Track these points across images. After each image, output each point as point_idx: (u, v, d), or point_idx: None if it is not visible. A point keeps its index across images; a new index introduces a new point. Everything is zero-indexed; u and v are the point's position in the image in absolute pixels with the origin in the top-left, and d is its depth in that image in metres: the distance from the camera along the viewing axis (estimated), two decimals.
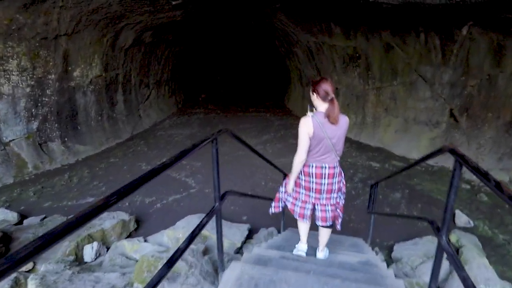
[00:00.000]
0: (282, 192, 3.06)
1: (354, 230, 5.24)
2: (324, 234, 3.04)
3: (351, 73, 10.51)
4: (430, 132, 8.59)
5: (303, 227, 3.13)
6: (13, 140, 7.31)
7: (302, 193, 2.83)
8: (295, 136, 9.22)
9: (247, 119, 12.55)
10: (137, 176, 1.32)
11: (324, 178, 2.67)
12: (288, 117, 12.80)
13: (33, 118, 7.57)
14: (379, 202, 6.03)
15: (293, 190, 2.87)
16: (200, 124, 11.98)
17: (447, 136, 8.20)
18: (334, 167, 2.68)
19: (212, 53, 18.38)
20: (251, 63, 20.63)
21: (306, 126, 2.52)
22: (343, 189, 2.91)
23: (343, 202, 2.95)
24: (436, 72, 8.06)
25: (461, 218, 5.34)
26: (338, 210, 2.89)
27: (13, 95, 7.09)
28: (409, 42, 8.27)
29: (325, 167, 2.66)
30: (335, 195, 2.79)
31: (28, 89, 7.30)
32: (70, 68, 8.14)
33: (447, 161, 7.45)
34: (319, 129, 2.50)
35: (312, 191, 2.76)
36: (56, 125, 8.06)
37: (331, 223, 2.87)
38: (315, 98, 2.60)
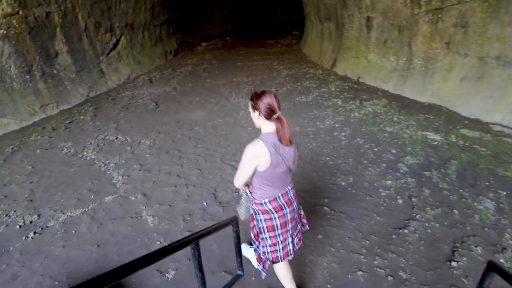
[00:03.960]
0: (262, 246, 2.24)
1: None
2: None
3: None
4: None
5: (285, 269, 2.37)
6: None
7: (279, 234, 2.19)
8: (306, 91, 4.62)
9: (246, 71, 9.14)
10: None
11: (293, 201, 2.22)
12: (301, 65, 9.21)
13: None
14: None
15: (265, 238, 2.20)
16: (182, 79, 8.74)
17: None
18: (293, 186, 2.28)
19: None
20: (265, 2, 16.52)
21: (261, 157, 1.93)
22: None
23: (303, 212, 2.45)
24: None
25: None
26: (301, 219, 2.42)
27: None
28: None
29: (289, 190, 2.20)
30: (301, 211, 2.41)
31: None
32: None
33: None
34: (276, 155, 1.97)
35: (288, 223, 2.20)
36: None
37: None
38: (257, 117, 2.01)
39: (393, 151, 4.35)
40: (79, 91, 7.41)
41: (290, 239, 2.26)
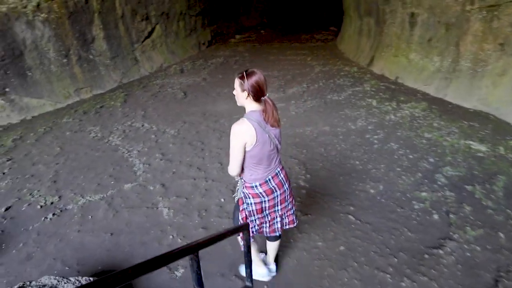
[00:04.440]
0: (250, 227, 2.10)
1: None
2: (276, 245, 2.46)
3: None
4: None
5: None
6: None
7: (267, 214, 2.20)
8: (339, 89, 4.46)
9: (278, 65, 8.86)
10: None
11: (285, 182, 2.17)
12: (336, 62, 8.78)
13: None
14: None
15: (254, 219, 2.17)
16: (212, 70, 8.63)
17: None
18: (283, 167, 2.21)
19: None
20: None
21: (247, 135, 1.90)
22: None
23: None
24: None
25: None
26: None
27: None
28: None
29: (279, 172, 2.14)
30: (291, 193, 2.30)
31: None
32: None
33: None
34: (262, 133, 1.93)
35: (278, 205, 2.19)
36: None
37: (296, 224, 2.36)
38: (244, 98, 1.95)
39: (431, 159, 3.94)
40: (113, 77, 7.52)
41: (279, 219, 2.25)
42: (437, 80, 6.32)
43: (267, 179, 2.07)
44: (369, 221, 3.02)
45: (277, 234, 2.31)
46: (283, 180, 2.16)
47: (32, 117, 5.88)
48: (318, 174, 3.83)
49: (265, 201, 2.12)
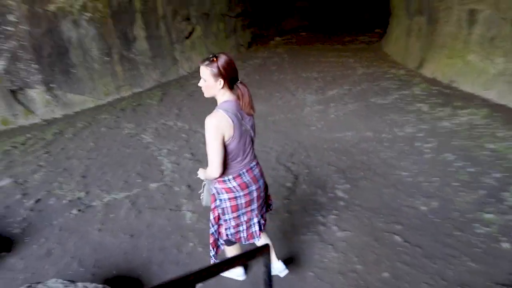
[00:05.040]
0: (224, 228, 2.01)
1: None
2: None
3: None
4: None
5: (235, 252, 2.17)
6: None
7: (243, 213, 1.95)
8: (384, 92, 4.23)
9: (317, 66, 8.40)
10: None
11: (259, 178, 1.97)
12: (381, 64, 8.14)
13: None
14: None
15: (228, 219, 1.95)
16: (250, 71, 8.39)
17: None
18: (258, 162, 2.01)
19: None
20: None
21: (220, 127, 1.69)
22: None
23: None
24: None
25: None
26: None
27: None
28: None
29: (254, 166, 1.95)
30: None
31: None
32: None
33: None
34: (239, 125, 1.75)
35: (254, 202, 1.96)
36: (36, 66, 5.65)
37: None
38: (219, 87, 1.72)
39: (497, 175, 3.32)
40: (152, 76, 7.57)
41: (255, 220, 2.02)
42: (500, 84, 5.51)
43: (241, 172, 1.88)
44: (419, 244, 2.54)
45: (256, 240, 2.04)
46: (258, 176, 1.97)
47: (74, 112, 6.03)
48: (358, 185, 3.39)
49: (239, 196, 1.90)
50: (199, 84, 1.79)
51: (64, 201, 3.38)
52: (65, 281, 2.01)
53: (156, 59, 7.68)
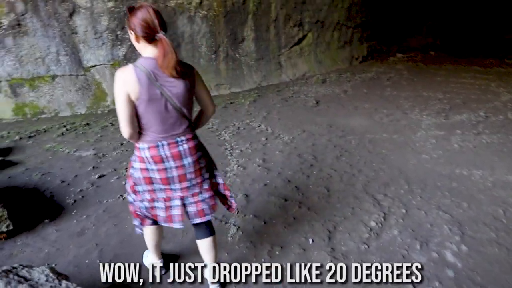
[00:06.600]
0: (139, 200, 1.76)
1: None
2: (210, 243, 1.87)
3: None
4: None
5: (155, 234, 1.96)
6: (95, 66, 5.82)
7: (160, 190, 1.70)
8: None
9: (444, 87, 6.69)
10: None
11: (186, 156, 1.64)
12: None
13: (119, 43, 5.80)
14: None
15: (142, 191, 1.72)
16: (358, 84, 7.26)
17: None
18: (193, 138, 1.68)
19: None
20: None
21: (125, 83, 1.45)
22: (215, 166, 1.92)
23: (223, 181, 1.89)
24: None
25: None
26: (223, 191, 1.88)
27: (91, 9, 5.44)
28: None
29: (182, 141, 1.63)
30: (206, 175, 1.78)
31: (110, 4, 5.47)
32: None
33: None
34: (150, 85, 1.46)
35: (174, 181, 1.66)
36: None
37: (210, 217, 1.79)
38: (134, 39, 1.53)
39: None
40: (253, 78, 7.36)
41: (178, 201, 1.70)
42: None
43: (159, 143, 1.60)
44: None
45: (178, 224, 1.71)
46: (184, 153, 1.64)
47: None
48: (482, 250, 2.16)
49: (152, 169, 1.63)
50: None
51: (123, 182, 3.23)
52: (51, 274, 1.64)
53: (260, 62, 7.45)
